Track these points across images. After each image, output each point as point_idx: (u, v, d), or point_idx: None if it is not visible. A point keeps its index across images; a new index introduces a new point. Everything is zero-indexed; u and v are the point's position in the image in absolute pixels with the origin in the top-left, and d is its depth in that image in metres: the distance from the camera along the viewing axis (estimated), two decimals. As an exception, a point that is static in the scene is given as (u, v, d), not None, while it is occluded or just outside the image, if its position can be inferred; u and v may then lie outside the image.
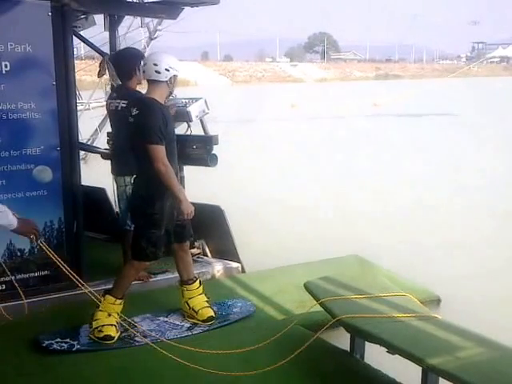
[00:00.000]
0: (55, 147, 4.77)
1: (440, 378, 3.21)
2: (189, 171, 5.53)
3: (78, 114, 5.75)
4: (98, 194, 6.59)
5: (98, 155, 5.70)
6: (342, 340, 4.21)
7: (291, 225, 8.32)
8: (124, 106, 4.93)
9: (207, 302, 4.51)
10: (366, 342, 3.92)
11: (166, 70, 4.05)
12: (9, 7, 4.46)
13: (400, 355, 3.29)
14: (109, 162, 5.29)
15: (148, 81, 4.13)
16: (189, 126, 5.34)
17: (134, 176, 4.37)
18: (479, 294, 5.63)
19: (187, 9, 6.13)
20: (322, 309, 4.00)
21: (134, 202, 4.31)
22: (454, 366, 3.03)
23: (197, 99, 5.34)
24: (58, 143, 4.77)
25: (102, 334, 4.08)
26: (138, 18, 8.54)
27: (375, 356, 3.91)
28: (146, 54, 5.70)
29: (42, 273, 4.70)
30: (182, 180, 5.29)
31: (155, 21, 11.96)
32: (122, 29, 8.00)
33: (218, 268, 5.60)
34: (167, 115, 4.10)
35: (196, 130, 5.43)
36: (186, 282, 4.49)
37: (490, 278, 6.13)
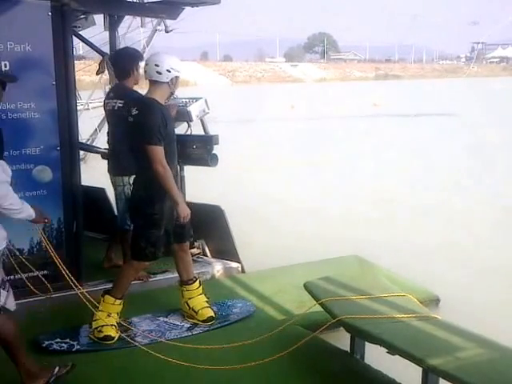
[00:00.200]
0: (55, 147, 4.76)
1: (440, 379, 3.20)
2: (189, 171, 5.52)
3: (78, 113, 5.75)
4: (97, 194, 6.59)
5: (98, 155, 5.70)
6: (342, 340, 4.20)
7: (291, 225, 8.31)
8: (121, 105, 4.93)
9: (207, 302, 4.51)
10: (366, 343, 3.92)
11: (167, 71, 4.04)
12: (9, 7, 4.46)
13: (400, 356, 3.28)
14: (109, 161, 5.29)
15: (149, 81, 4.12)
16: (189, 126, 5.34)
17: (134, 176, 4.37)
18: (479, 294, 5.63)
19: (187, 9, 6.12)
20: (321, 309, 4.00)
21: (134, 203, 4.30)
22: (454, 366, 3.02)
23: (197, 99, 5.34)
24: (57, 143, 4.77)
25: (101, 335, 4.08)
26: (138, 18, 8.56)
27: (375, 356, 3.90)
28: (145, 54, 5.71)
29: (41, 272, 4.69)
30: (182, 180, 5.29)
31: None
32: (121, 29, 8.00)
33: (217, 268, 5.60)
34: (167, 116, 4.09)
35: (196, 129, 5.43)
36: (186, 283, 4.48)
37: (490, 278, 6.13)
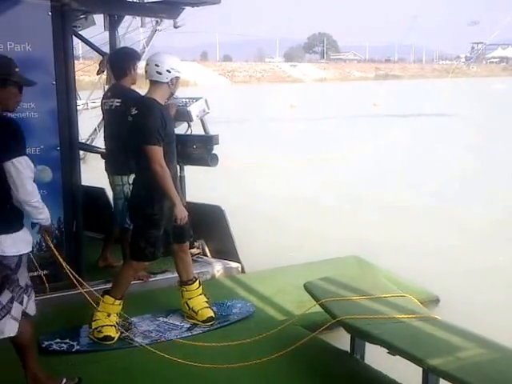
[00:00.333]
0: (55, 147, 4.76)
1: (440, 379, 3.20)
2: (189, 171, 5.52)
3: (78, 113, 5.75)
4: (97, 194, 6.59)
5: (98, 155, 5.70)
6: (342, 341, 4.20)
7: (291, 225, 8.31)
8: (118, 104, 4.94)
9: (207, 302, 4.51)
10: (367, 343, 3.91)
11: (167, 71, 4.04)
12: (9, 7, 4.46)
13: (400, 356, 3.28)
14: (109, 161, 5.28)
15: (150, 81, 4.11)
16: (189, 126, 5.33)
17: (134, 176, 4.36)
18: (479, 295, 5.63)
19: (187, 9, 6.12)
20: (321, 309, 4.00)
21: (134, 203, 4.29)
22: (454, 366, 3.02)
23: (197, 99, 5.34)
24: (57, 143, 4.77)
25: (101, 335, 4.08)
26: (138, 18, 8.55)
27: (375, 357, 3.90)
28: (145, 54, 5.71)
29: (42, 272, 4.69)
30: (182, 180, 5.28)
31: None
32: (121, 29, 8.00)
33: (217, 268, 5.60)
34: (166, 116, 4.09)
35: (196, 129, 5.42)
36: (186, 283, 4.48)
37: (490, 278, 6.13)
